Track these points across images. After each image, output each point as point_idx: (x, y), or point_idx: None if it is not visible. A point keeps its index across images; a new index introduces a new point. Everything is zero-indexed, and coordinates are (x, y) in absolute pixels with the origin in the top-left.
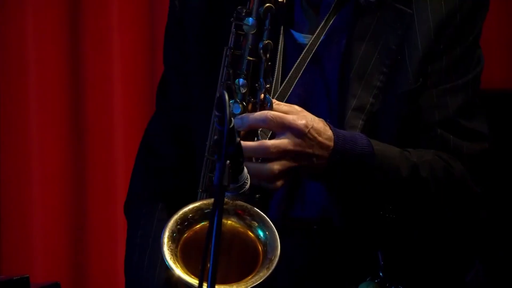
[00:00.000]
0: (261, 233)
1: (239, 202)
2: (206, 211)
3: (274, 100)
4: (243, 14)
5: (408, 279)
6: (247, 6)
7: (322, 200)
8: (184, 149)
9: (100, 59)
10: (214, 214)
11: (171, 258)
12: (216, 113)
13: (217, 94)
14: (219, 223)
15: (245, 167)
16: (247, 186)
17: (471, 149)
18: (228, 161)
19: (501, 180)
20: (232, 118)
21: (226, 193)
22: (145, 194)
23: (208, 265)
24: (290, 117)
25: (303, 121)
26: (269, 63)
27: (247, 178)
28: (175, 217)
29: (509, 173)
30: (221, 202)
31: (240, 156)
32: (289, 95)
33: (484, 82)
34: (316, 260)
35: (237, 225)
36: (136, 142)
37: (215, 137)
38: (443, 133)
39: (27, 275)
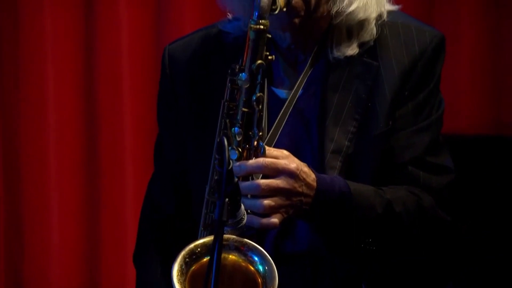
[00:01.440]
0: (260, 266)
1: (239, 238)
2: (210, 246)
3: (266, 146)
4: (237, 70)
5: None
6: (240, 63)
7: (310, 236)
8: (183, 198)
9: (110, 58)
10: (215, 246)
11: None
12: (216, 156)
13: (217, 140)
14: (219, 254)
15: (242, 205)
16: (244, 221)
17: (439, 182)
18: (227, 199)
19: (472, 213)
20: (231, 160)
21: (226, 228)
22: (151, 245)
23: None
24: (282, 162)
25: (294, 165)
26: (261, 114)
27: (244, 214)
28: (183, 252)
29: (478, 208)
30: (221, 235)
31: (238, 195)
32: (275, 143)
33: (453, 128)
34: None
35: (238, 259)
36: (144, 138)
37: (216, 177)
38: (413, 170)
39: None
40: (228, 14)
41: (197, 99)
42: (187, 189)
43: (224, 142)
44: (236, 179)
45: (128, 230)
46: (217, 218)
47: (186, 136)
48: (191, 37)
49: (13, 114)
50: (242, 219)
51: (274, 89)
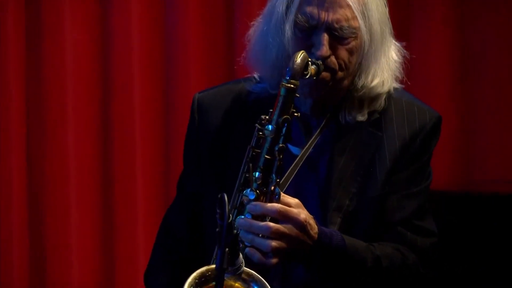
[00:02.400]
0: None
1: (246, 269)
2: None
3: (281, 193)
4: (264, 121)
5: None
6: (269, 116)
7: (306, 279)
8: (196, 230)
9: (123, 61)
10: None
11: None
12: (218, 210)
13: (219, 196)
14: None
15: (240, 254)
16: (242, 268)
17: (423, 243)
18: (227, 249)
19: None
20: (231, 215)
21: (226, 274)
22: (162, 267)
23: None
24: (294, 211)
25: (303, 216)
26: (281, 163)
27: (242, 262)
28: (194, 274)
29: (455, 257)
30: (221, 282)
31: (236, 244)
32: (284, 192)
33: (433, 184)
34: None
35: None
36: (154, 140)
37: (216, 229)
38: (401, 230)
39: None
40: (255, 75)
41: (220, 146)
42: (201, 221)
43: (224, 198)
44: (235, 231)
45: (139, 229)
46: (218, 266)
47: (205, 175)
48: (219, 88)
49: (37, 117)
50: (240, 266)
51: (289, 145)
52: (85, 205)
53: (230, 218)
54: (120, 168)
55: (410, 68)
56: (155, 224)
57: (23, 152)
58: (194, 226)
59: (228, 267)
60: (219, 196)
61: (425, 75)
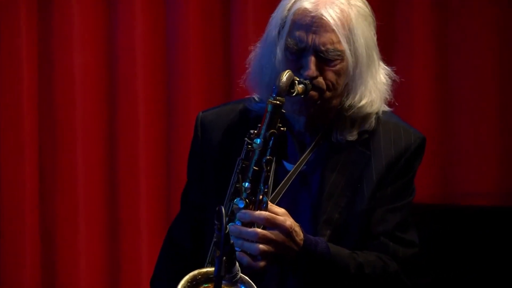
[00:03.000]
0: None
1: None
2: (210, 276)
3: (269, 202)
4: (253, 135)
5: None
6: (257, 130)
7: (300, 285)
8: (198, 238)
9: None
10: None
11: None
12: (216, 222)
13: (217, 208)
14: None
15: (236, 262)
16: (238, 276)
17: (405, 253)
18: (224, 258)
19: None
20: (228, 226)
21: (223, 281)
22: (167, 274)
23: None
24: (281, 218)
25: (289, 223)
26: (269, 174)
27: (238, 270)
28: (187, 277)
29: (438, 265)
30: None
31: (233, 253)
32: (276, 203)
33: (417, 197)
34: None
35: None
36: (157, 140)
37: (214, 239)
38: (385, 241)
39: None
40: (255, 96)
41: (221, 161)
42: (203, 230)
43: (222, 211)
44: (232, 242)
45: (142, 231)
46: (216, 273)
47: (208, 188)
48: (221, 108)
49: (49, 118)
50: (236, 274)
51: (284, 162)
52: (92, 208)
53: (227, 229)
54: (125, 172)
55: (395, 89)
56: (158, 225)
57: (35, 153)
58: (197, 236)
59: (226, 274)
60: (217, 208)
61: (409, 96)
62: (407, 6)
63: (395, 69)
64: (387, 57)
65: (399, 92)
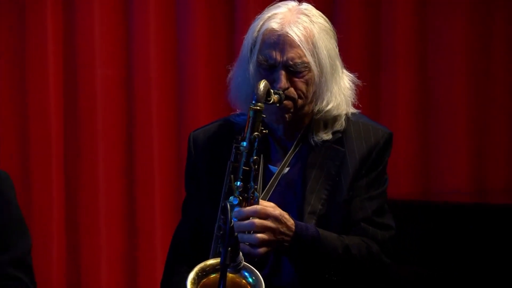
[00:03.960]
0: (250, 279)
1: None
2: (216, 266)
3: (260, 197)
4: (240, 139)
5: None
6: (242, 135)
7: (292, 273)
8: (197, 242)
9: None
10: (221, 280)
11: None
12: (222, 216)
13: (222, 204)
14: (224, 285)
15: (240, 253)
16: (242, 264)
17: (383, 236)
18: (229, 248)
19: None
20: (232, 219)
21: (228, 269)
22: (174, 274)
23: None
24: (270, 209)
25: (278, 211)
26: (257, 172)
27: (242, 259)
28: (196, 269)
29: (416, 257)
30: (224, 276)
31: (237, 244)
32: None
33: (394, 194)
34: None
35: (234, 276)
36: (170, 141)
37: (220, 232)
38: (365, 226)
39: None
40: (237, 110)
41: (213, 169)
42: (201, 236)
43: (227, 206)
44: (236, 234)
45: (156, 225)
46: (221, 263)
47: (203, 196)
48: (209, 126)
49: (74, 121)
50: (240, 262)
51: (270, 166)
52: (112, 206)
53: (232, 223)
54: (141, 173)
55: (380, 96)
56: (170, 220)
57: (61, 150)
58: (196, 240)
59: (231, 263)
60: (223, 205)
61: (393, 103)
62: (391, 15)
63: (357, 75)
64: (374, 62)
65: (385, 98)
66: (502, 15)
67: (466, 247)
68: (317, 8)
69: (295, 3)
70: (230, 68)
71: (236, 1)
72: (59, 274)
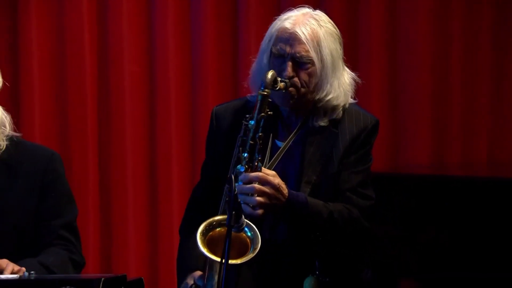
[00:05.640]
0: (248, 233)
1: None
2: (222, 222)
3: (262, 167)
4: (248, 118)
5: (332, 274)
6: (251, 114)
7: (285, 231)
8: (212, 198)
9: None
10: (227, 238)
11: (201, 244)
12: (227, 186)
13: (229, 175)
14: (229, 244)
15: (243, 216)
16: (244, 225)
17: (364, 204)
18: (234, 212)
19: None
20: (236, 188)
21: (233, 229)
22: (191, 224)
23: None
24: (270, 177)
25: (277, 180)
26: (261, 146)
27: (244, 221)
28: (205, 223)
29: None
30: (229, 235)
31: (240, 209)
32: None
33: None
34: (281, 263)
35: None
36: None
37: (226, 199)
38: (350, 195)
39: (125, 274)
40: (252, 92)
41: (229, 139)
42: (216, 193)
43: (232, 178)
44: (239, 201)
45: (174, 207)
46: (227, 224)
47: (220, 160)
48: (230, 103)
49: (106, 116)
50: (242, 224)
51: (276, 141)
52: (138, 195)
53: (236, 191)
54: (161, 162)
55: (358, 88)
56: (185, 202)
57: (96, 146)
58: (211, 197)
59: (235, 224)
60: (228, 176)
61: (368, 91)
62: (366, 20)
63: (358, 74)
64: (352, 59)
65: (361, 88)
66: (458, 16)
67: (426, 212)
68: (301, 3)
69: (309, 10)
70: (253, 59)
71: (240, 17)
72: (95, 236)
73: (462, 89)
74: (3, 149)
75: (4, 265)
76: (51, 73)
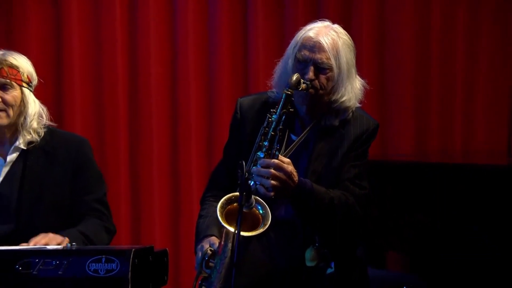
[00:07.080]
0: (261, 211)
1: (256, 198)
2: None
3: (279, 155)
4: (272, 112)
5: (330, 247)
6: (275, 109)
7: (292, 211)
8: (231, 176)
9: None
10: (239, 215)
11: (220, 216)
12: (238, 171)
13: (240, 162)
14: (241, 219)
15: (252, 196)
16: (253, 204)
17: (360, 193)
18: (244, 193)
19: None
20: (247, 172)
21: (244, 208)
22: (210, 198)
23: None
24: (285, 165)
25: (291, 168)
26: (280, 138)
27: (253, 201)
28: (225, 197)
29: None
30: (241, 211)
31: (250, 191)
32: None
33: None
34: (286, 237)
35: (251, 210)
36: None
37: (238, 181)
38: (348, 184)
39: (152, 245)
40: (273, 90)
41: (250, 127)
42: (235, 171)
43: (243, 164)
44: (250, 183)
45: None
46: (239, 203)
47: (243, 144)
48: (254, 96)
49: (135, 114)
50: (252, 203)
51: (292, 135)
52: (161, 179)
53: (246, 175)
54: (183, 153)
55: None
56: (203, 186)
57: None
58: (231, 174)
59: (245, 203)
60: (239, 162)
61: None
62: (358, 27)
63: (367, 81)
64: None
65: None
66: (437, 13)
67: (411, 194)
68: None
69: (329, 23)
70: (277, 61)
71: (249, 27)
72: (126, 213)
73: (440, 89)
74: (41, 137)
75: (51, 239)
76: (90, 74)
